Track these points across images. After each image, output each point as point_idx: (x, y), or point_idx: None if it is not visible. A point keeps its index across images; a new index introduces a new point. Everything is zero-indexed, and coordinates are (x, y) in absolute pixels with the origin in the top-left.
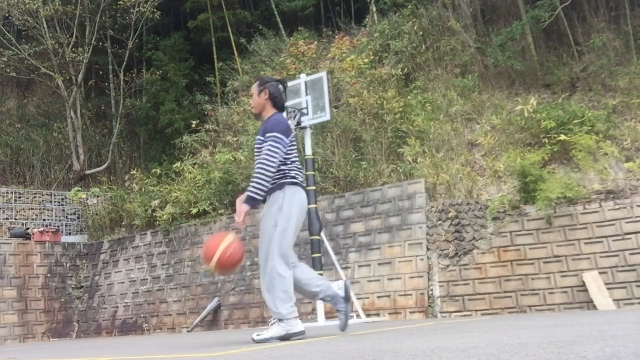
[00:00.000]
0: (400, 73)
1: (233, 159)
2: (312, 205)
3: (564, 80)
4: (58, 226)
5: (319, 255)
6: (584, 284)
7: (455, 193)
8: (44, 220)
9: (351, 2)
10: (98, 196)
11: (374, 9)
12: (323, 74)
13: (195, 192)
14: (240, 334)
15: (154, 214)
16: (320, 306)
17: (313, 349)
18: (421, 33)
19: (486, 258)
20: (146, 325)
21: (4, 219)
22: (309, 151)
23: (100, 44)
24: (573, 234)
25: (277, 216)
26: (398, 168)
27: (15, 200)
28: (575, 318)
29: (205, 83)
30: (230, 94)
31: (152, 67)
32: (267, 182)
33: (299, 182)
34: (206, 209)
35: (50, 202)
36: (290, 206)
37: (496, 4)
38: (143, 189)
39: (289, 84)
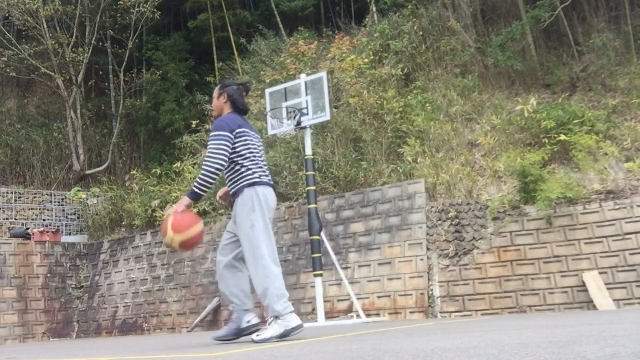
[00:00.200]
0: (400, 73)
1: None
2: (312, 205)
3: (564, 80)
4: (58, 226)
5: (319, 255)
6: (584, 284)
7: (455, 193)
8: (44, 220)
9: (351, 2)
10: (98, 196)
11: (374, 9)
12: (323, 74)
13: None
14: None
15: (154, 214)
16: (320, 306)
17: (313, 349)
18: (421, 33)
19: (486, 258)
20: (146, 325)
21: (4, 219)
22: (309, 151)
23: (100, 44)
24: (573, 234)
25: (252, 216)
26: (398, 168)
27: (15, 200)
28: (575, 318)
29: (205, 83)
30: None
31: (152, 67)
32: (212, 177)
33: (265, 181)
34: (206, 209)
35: (50, 202)
36: (260, 205)
37: (496, 4)
38: (143, 189)
39: (289, 84)
